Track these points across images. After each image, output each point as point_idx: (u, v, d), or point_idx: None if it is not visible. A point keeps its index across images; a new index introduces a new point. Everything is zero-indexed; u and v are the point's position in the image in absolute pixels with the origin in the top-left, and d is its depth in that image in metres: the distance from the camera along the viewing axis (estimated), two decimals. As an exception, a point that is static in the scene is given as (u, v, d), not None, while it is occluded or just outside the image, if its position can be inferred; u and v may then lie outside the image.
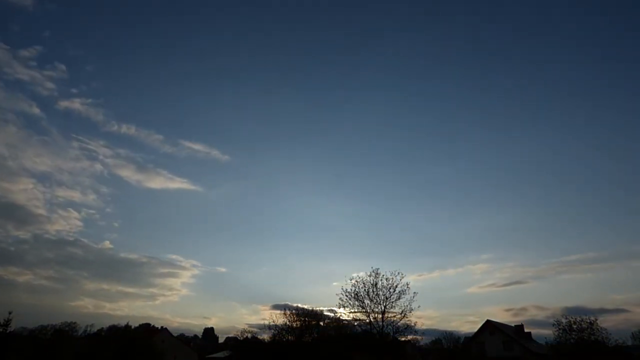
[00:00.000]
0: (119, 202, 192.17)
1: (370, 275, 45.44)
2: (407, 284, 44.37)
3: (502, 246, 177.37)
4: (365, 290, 45.01)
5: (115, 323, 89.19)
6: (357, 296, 45.20)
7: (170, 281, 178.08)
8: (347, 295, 45.42)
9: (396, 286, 44.40)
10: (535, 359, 52.73)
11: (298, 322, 55.08)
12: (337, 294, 46.29)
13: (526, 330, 62.55)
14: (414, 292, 43.89)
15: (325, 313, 58.86)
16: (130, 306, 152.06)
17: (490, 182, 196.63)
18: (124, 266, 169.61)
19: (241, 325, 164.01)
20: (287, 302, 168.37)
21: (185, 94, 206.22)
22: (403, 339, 47.94)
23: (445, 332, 78.19)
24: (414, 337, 45.37)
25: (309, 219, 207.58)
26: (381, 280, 44.91)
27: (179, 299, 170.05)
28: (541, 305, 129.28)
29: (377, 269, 45.58)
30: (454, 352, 60.55)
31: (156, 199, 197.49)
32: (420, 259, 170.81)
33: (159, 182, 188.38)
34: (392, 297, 44.30)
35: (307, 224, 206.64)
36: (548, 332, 59.36)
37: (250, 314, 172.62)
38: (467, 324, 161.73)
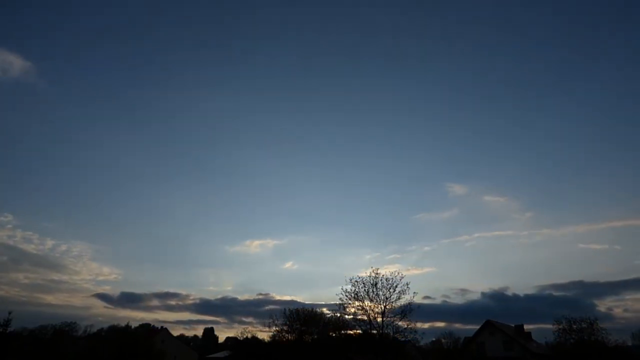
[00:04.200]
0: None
1: (370, 276, 45.40)
2: (407, 284, 44.36)
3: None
4: (365, 290, 44.93)
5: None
6: (357, 296, 45.13)
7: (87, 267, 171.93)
8: (347, 296, 45.37)
9: (396, 286, 44.33)
10: (535, 359, 52.69)
11: (298, 323, 55.14)
12: (337, 294, 46.28)
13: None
14: (414, 292, 43.92)
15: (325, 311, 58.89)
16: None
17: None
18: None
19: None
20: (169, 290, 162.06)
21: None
22: (403, 339, 47.83)
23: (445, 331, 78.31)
24: (414, 337, 45.21)
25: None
26: (381, 280, 44.84)
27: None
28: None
29: (377, 269, 45.59)
30: (454, 352, 60.45)
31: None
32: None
33: None
34: (392, 297, 44.22)
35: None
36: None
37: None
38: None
